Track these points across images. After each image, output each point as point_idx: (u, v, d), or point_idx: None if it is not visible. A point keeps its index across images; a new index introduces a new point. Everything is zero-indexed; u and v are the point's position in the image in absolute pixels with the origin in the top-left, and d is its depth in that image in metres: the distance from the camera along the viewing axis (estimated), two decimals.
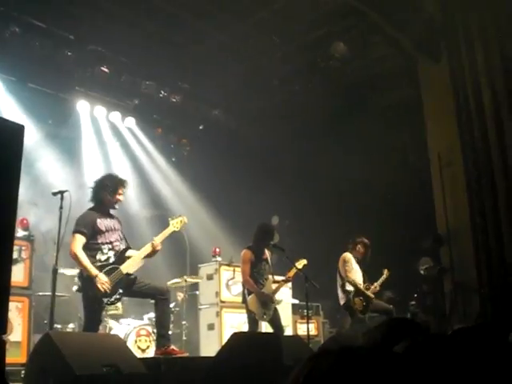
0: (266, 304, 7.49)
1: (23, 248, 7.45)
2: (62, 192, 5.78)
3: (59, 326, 7.67)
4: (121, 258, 5.96)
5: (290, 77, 10.35)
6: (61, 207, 5.71)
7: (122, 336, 7.42)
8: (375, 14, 8.47)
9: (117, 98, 10.69)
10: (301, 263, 7.82)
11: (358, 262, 8.59)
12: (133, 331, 7.86)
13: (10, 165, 2.34)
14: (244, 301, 7.59)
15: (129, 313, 8.76)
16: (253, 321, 7.47)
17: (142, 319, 8.39)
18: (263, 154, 11.47)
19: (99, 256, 5.84)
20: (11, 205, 2.45)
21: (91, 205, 6.09)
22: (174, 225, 6.44)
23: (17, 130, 2.39)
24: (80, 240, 5.75)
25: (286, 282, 7.93)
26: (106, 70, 9.56)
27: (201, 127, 11.76)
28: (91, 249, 5.83)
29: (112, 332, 7.58)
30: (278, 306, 7.85)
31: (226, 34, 9.24)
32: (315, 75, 10.12)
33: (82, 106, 10.26)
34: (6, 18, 8.27)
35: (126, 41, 9.15)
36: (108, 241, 5.95)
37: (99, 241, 5.89)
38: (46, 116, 10.04)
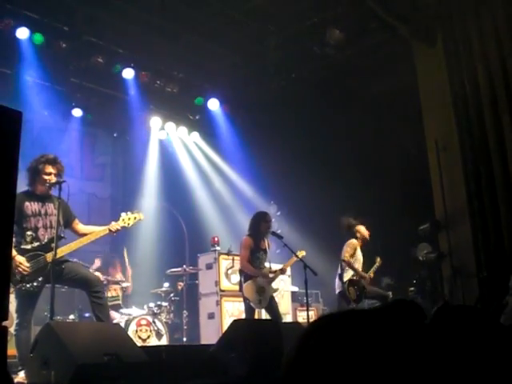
0: (262, 290, 7.50)
1: None
2: (59, 183, 5.76)
3: (60, 318, 7.68)
4: (47, 245, 5.66)
5: (285, 64, 10.29)
6: (59, 197, 5.70)
7: (122, 326, 7.44)
8: (371, 1, 8.43)
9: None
10: (300, 253, 7.87)
11: (361, 248, 8.67)
12: (133, 321, 7.88)
13: (8, 152, 2.32)
14: (240, 288, 7.62)
15: (129, 303, 8.79)
16: (249, 308, 7.50)
17: (143, 309, 8.42)
18: (259, 141, 11.43)
19: (23, 245, 5.60)
20: (10, 192, 2.44)
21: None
22: (125, 220, 6.09)
23: (14, 117, 2.37)
24: None
25: (282, 272, 7.96)
26: (100, 60, 9.51)
27: (197, 117, 11.73)
28: (16, 234, 5.49)
29: (113, 322, 7.60)
30: (276, 294, 7.90)
31: (219, 21, 9.16)
32: (311, 62, 10.08)
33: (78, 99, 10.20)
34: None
35: (120, 31, 9.09)
36: (33, 226, 5.70)
37: (24, 225, 5.64)
38: (43, 108, 10.00)
